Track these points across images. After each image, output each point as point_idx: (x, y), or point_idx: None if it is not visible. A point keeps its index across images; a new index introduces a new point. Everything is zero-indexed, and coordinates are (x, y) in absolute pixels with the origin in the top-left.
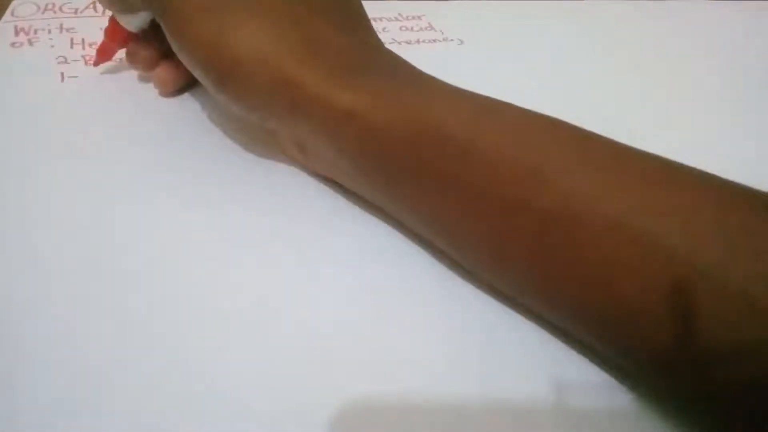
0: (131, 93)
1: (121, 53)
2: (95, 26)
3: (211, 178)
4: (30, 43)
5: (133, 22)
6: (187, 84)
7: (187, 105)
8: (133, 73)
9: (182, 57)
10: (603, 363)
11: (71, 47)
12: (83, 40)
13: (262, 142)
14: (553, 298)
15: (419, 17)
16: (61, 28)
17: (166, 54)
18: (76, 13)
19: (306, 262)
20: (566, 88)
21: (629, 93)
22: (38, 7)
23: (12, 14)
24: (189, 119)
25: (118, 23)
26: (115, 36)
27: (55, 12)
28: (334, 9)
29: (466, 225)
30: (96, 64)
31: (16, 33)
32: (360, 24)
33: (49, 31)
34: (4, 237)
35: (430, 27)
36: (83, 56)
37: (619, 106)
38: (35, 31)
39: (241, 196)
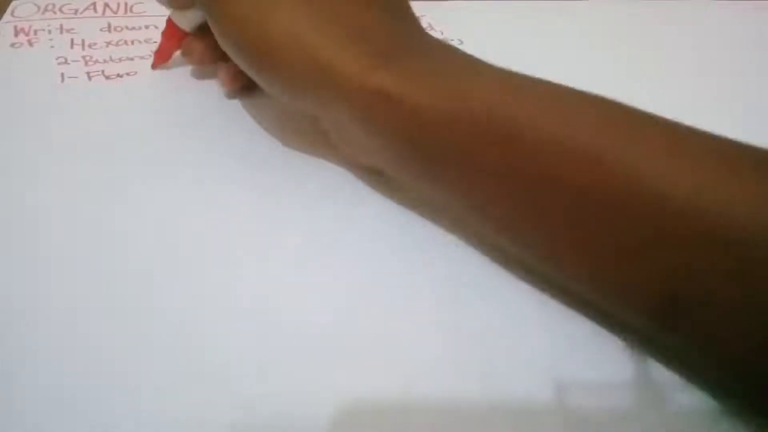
0: (130, 93)
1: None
2: (95, 27)
3: (210, 177)
4: (30, 43)
5: (188, 20)
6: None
7: (185, 103)
8: (132, 74)
9: (222, 41)
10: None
11: (71, 48)
12: (83, 40)
13: (266, 139)
14: (606, 284)
15: (419, 17)
16: (61, 28)
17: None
18: (76, 13)
19: (307, 260)
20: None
21: (630, 93)
22: (38, 8)
23: (12, 14)
24: (188, 118)
25: (174, 24)
26: (172, 36)
27: (55, 12)
28: None
29: (520, 214)
30: (155, 65)
31: (16, 33)
32: (401, 10)
33: (49, 32)
34: (4, 236)
35: (430, 27)
36: (83, 57)
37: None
38: (35, 32)
39: (242, 196)
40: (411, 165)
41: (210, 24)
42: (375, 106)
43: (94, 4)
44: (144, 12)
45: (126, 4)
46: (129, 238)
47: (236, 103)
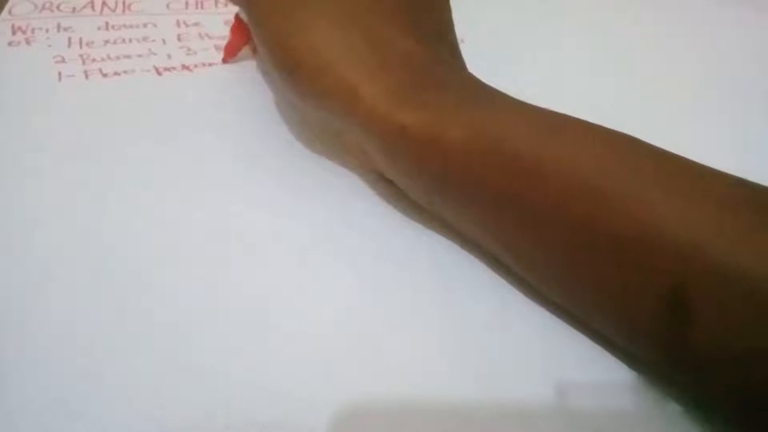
0: (128, 91)
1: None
2: (93, 25)
3: (212, 177)
4: (27, 42)
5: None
6: None
7: (184, 101)
8: (129, 72)
9: (259, 49)
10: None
11: (69, 46)
12: (81, 39)
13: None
14: (614, 316)
15: None
16: (58, 27)
17: None
18: (73, 12)
19: (307, 261)
20: (568, 86)
21: (630, 91)
22: (35, 6)
23: (9, 13)
24: (187, 116)
25: (241, 20)
26: (240, 32)
27: (52, 11)
28: (412, 19)
29: (527, 243)
30: (224, 60)
31: (14, 32)
32: (437, 37)
33: (47, 30)
34: (1, 236)
35: None
36: (80, 55)
37: (620, 104)
38: (32, 30)
39: (243, 195)
40: (425, 191)
41: (250, 28)
42: (397, 140)
43: (92, 2)
44: (142, 10)
45: (124, 2)
46: (127, 237)
47: (236, 101)
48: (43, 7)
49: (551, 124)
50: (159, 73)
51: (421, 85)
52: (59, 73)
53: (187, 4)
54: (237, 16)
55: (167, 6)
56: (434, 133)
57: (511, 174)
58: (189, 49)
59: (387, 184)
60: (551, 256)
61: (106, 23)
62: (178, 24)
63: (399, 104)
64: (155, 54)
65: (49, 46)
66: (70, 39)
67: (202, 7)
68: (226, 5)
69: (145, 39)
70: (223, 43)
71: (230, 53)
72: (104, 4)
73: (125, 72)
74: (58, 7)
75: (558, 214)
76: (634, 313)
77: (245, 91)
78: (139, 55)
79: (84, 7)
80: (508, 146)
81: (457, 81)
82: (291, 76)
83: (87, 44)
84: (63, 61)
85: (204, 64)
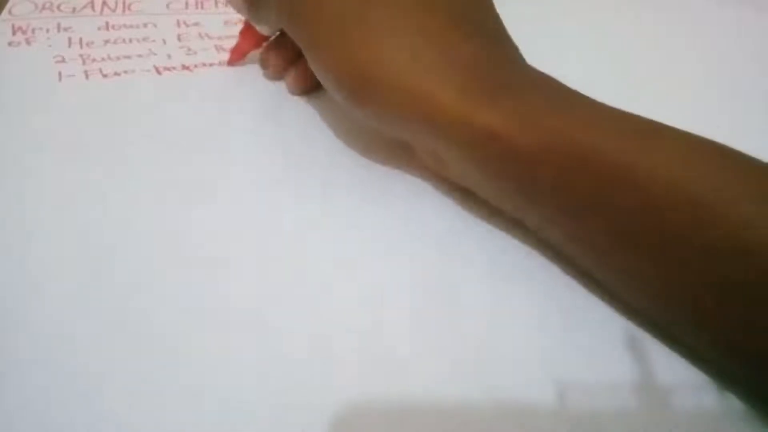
0: (128, 91)
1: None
2: (93, 25)
3: (211, 176)
4: (27, 42)
5: (266, 27)
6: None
7: (184, 101)
8: (130, 72)
9: (314, 70)
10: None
11: (69, 46)
12: (81, 39)
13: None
14: (702, 325)
15: None
16: (58, 27)
17: (299, 56)
18: (73, 12)
19: (308, 261)
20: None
21: (630, 91)
22: (36, 6)
23: (9, 13)
24: (187, 115)
25: (251, 26)
26: (249, 37)
27: (52, 11)
28: (471, 21)
29: (617, 252)
30: (230, 63)
31: (14, 32)
32: (499, 36)
33: (47, 30)
34: (1, 236)
35: None
36: (81, 55)
37: (620, 104)
38: (33, 30)
39: (244, 195)
40: (510, 196)
41: (304, 52)
42: (481, 146)
43: (92, 2)
44: (142, 10)
45: (124, 2)
46: (127, 237)
47: (236, 101)
48: (44, 7)
49: (642, 131)
50: (159, 73)
51: (499, 89)
52: (59, 73)
53: (187, 4)
54: (246, 21)
55: (167, 6)
56: (519, 140)
57: (601, 183)
58: (189, 49)
59: (459, 190)
60: (639, 268)
61: (106, 23)
62: (178, 24)
63: (481, 110)
64: (155, 54)
65: (50, 46)
66: (70, 39)
67: (202, 7)
68: (226, 5)
69: (145, 39)
70: (223, 43)
71: (237, 57)
72: (104, 4)
73: (125, 72)
74: (58, 7)
75: (649, 223)
76: (724, 323)
77: (245, 91)
78: (139, 55)
79: (84, 7)
80: (598, 154)
81: (535, 83)
82: (360, 95)
83: (87, 44)
84: (63, 61)
85: (204, 64)
